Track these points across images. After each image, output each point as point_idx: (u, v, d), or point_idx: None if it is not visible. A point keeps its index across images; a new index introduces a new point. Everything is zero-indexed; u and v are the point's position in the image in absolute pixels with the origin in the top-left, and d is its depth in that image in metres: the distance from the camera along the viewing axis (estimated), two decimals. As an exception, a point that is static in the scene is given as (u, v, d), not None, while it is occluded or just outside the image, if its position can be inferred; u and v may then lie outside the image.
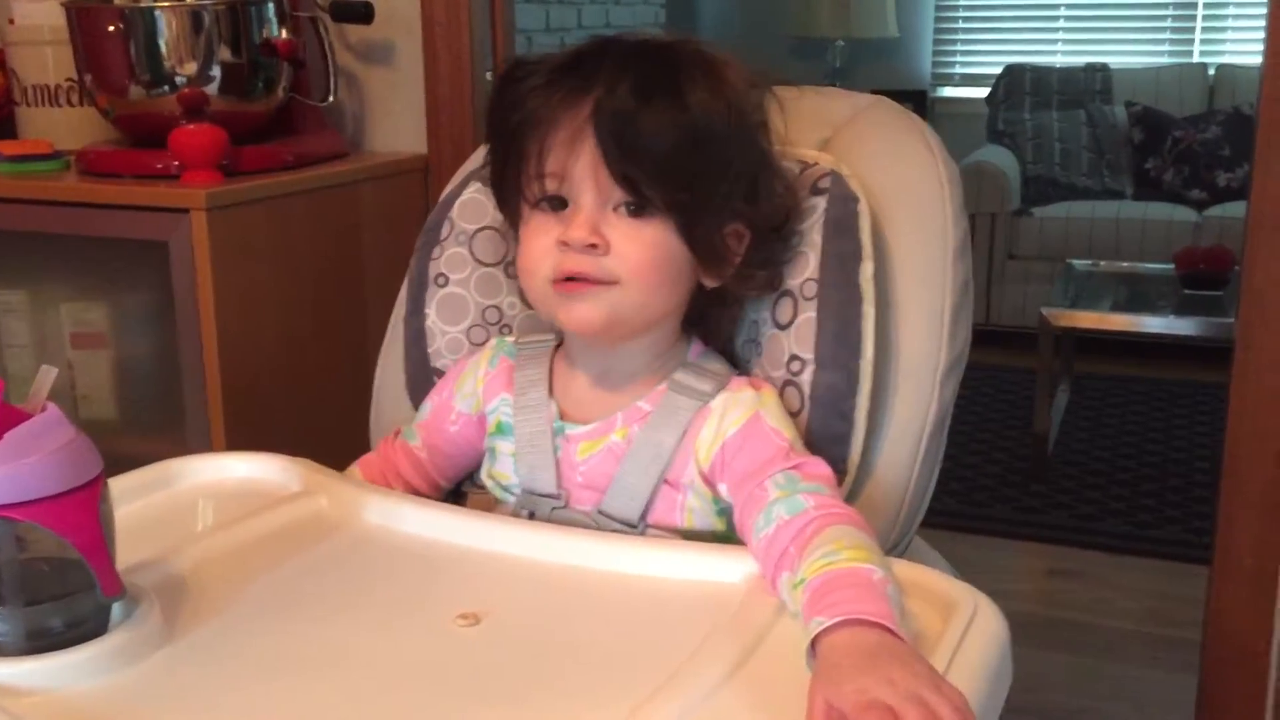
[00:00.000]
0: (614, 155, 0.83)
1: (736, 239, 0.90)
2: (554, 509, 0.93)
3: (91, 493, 0.70)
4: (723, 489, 0.89)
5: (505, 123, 0.89)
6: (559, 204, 0.87)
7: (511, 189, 0.90)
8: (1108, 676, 2.11)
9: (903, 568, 0.80)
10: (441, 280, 1.07)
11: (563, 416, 0.94)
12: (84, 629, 0.71)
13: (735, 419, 0.89)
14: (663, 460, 0.90)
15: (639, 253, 0.85)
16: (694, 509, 0.91)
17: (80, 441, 0.70)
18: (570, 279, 0.86)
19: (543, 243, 0.87)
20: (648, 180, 0.83)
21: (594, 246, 0.84)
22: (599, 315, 0.87)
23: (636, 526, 0.91)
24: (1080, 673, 2.12)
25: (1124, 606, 2.36)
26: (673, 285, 0.88)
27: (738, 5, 5.07)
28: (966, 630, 0.73)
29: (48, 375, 0.71)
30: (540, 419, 0.94)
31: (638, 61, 0.85)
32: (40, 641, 0.70)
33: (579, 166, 0.85)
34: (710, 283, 0.91)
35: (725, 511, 0.90)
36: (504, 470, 0.97)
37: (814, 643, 0.70)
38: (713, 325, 0.96)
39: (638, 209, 0.85)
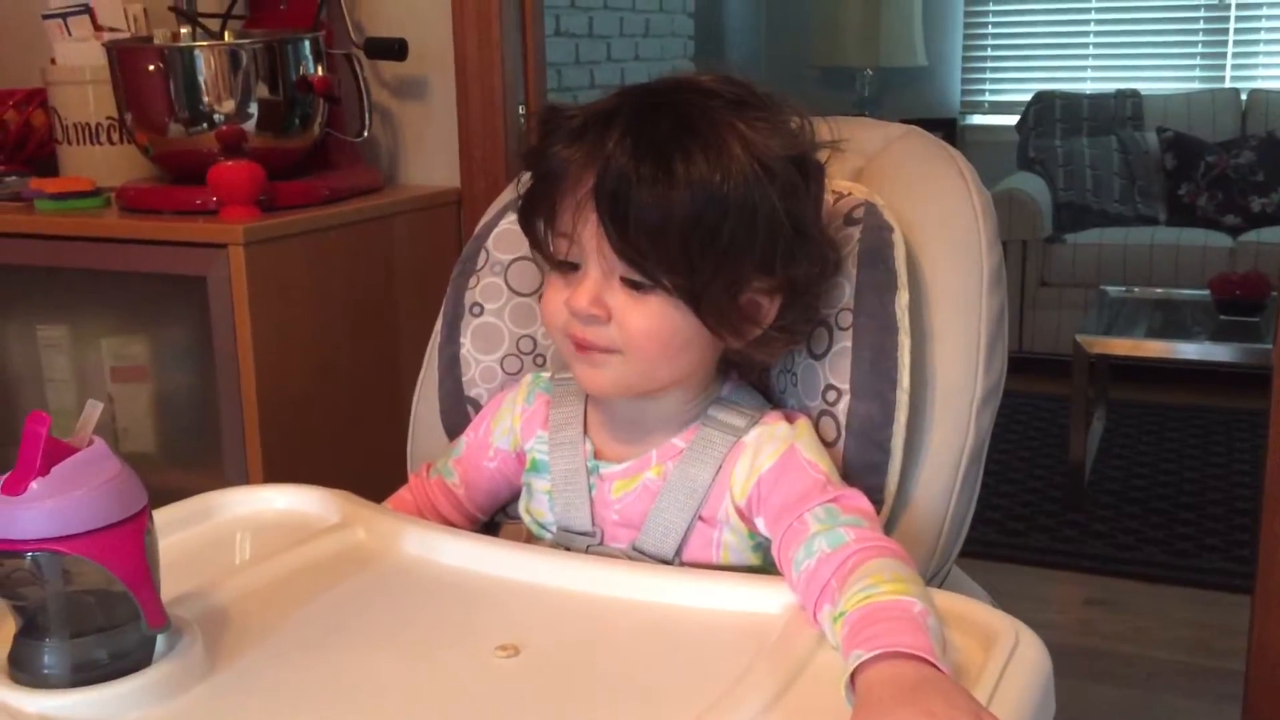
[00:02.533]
0: (613, 232, 0.83)
1: (768, 299, 0.89)
2: (589, 546, 0.93)
3: (137, 525, 0.71)
4: (760, 523, 0.89)
5: (533, 170, 0.89)
6: (570, 267, 0.87)
7: (535, 237, 0.91)
8: (1149, 707, 2.08)
9: (943, 598, 0.80)
10: (477, 309, 1.08)
11: (597, 454, 0.95)
12: (129, 661, 0.72)
13: (770, 453, 0.89)
14: (697, 496, 0.90)
15: (641, 324, 0.85)
16: (729, 545, 0.90)
17: (126, 475, 0.71)
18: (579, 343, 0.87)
19: (555, 302, 0.88)
20: (647, 259, 0.83)
21: (595, 316, 0.85)
22: (606, 381, 0.88)
23: (671, 563, 0.91)
24: (1121, 704, 2.09)
25: (1164, 637, 2.33)
26: (680, 353, 0.88)
27: (766, 36, 5.09)
28: (1008, 661, 0.73)
29: (94, 410, 0.72)
30: (575, 456, 0.95)
31: (645, 131, 0.83)
32: (86, 674, 0.70)
33: (586, 233, 0.85)
34: (732, 344, 0.90)
35: (760, 547, 0.90)
36: (540, 507, 0.97)
37: (853, 676, 0.70)
38: (754, 361, 0.96)
39: (638, 283, 0.85)
